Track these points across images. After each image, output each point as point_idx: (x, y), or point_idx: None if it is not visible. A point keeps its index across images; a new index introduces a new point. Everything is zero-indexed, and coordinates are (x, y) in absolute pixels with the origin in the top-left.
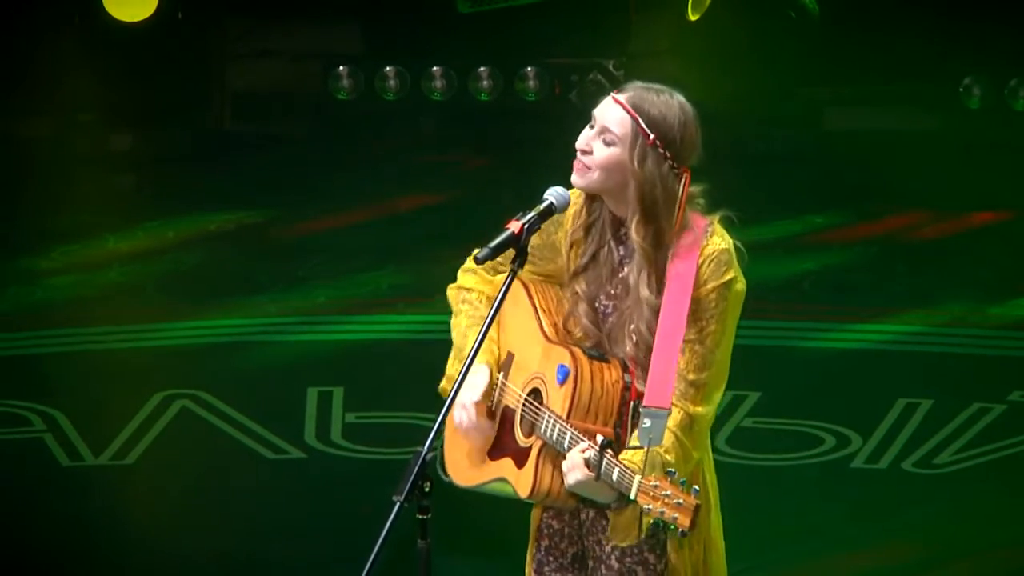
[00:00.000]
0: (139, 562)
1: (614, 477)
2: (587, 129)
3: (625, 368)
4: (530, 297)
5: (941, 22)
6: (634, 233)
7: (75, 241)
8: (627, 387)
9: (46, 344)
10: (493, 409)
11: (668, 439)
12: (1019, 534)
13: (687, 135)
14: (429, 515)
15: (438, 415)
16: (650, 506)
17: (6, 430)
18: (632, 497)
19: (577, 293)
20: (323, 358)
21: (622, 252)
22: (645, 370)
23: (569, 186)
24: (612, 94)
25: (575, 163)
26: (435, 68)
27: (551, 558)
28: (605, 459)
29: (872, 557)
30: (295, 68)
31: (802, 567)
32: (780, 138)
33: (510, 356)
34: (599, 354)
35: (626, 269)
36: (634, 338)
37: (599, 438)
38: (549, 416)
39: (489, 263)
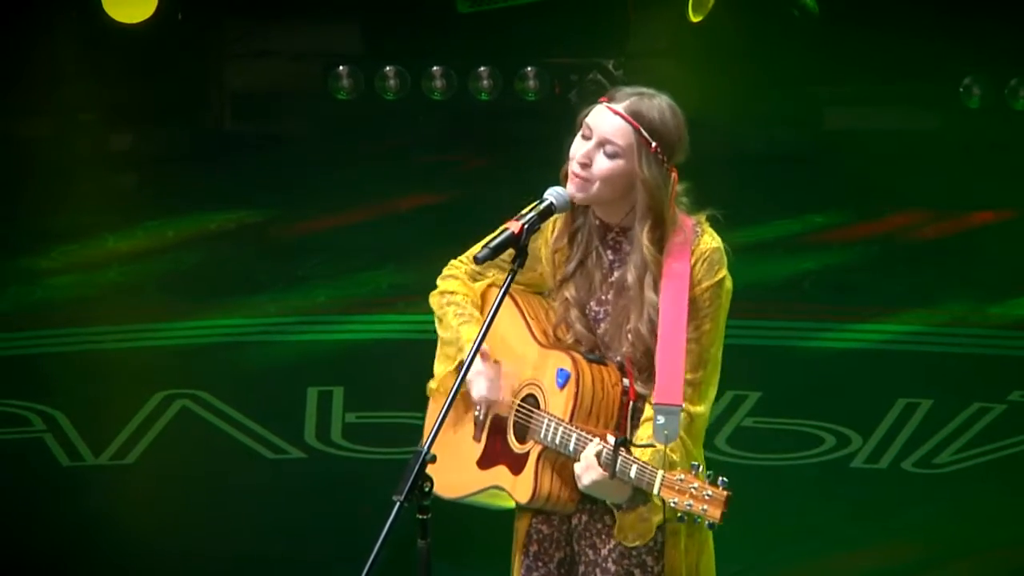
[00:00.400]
0: (139, 562)
1: (632, 474)
2: (580, 140)
3: (622, 370)
4: (517, 305)
5: (941, 21)
6: (645, 240)
7: (75, 241)
8: (625, 390)
9: (46, 344)
10: (481, 420)
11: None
12: (1019, 534)
13: (681, 137)
14: (429, 515)
15: (438, 415)
16: (675, 500)
17: (6, 430)
18: (656, 492)
19: (567, 299)
20: (323, 358)
21: (611, 257)
22: (642, 370)
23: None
24: (604, 103)
25: (573, 177)
26: (435, 68)
27: (539, 564)
28: (621, 457)
29: (872, 557)
30: (295, 68)
31: (802, 567)
32: (780, 138)
33: (497, 365)
34: (597, 357)
35: (616, 274)
36: (631, 338)
37: (610, 438)
38: (550, 420)
39: (469, 270)
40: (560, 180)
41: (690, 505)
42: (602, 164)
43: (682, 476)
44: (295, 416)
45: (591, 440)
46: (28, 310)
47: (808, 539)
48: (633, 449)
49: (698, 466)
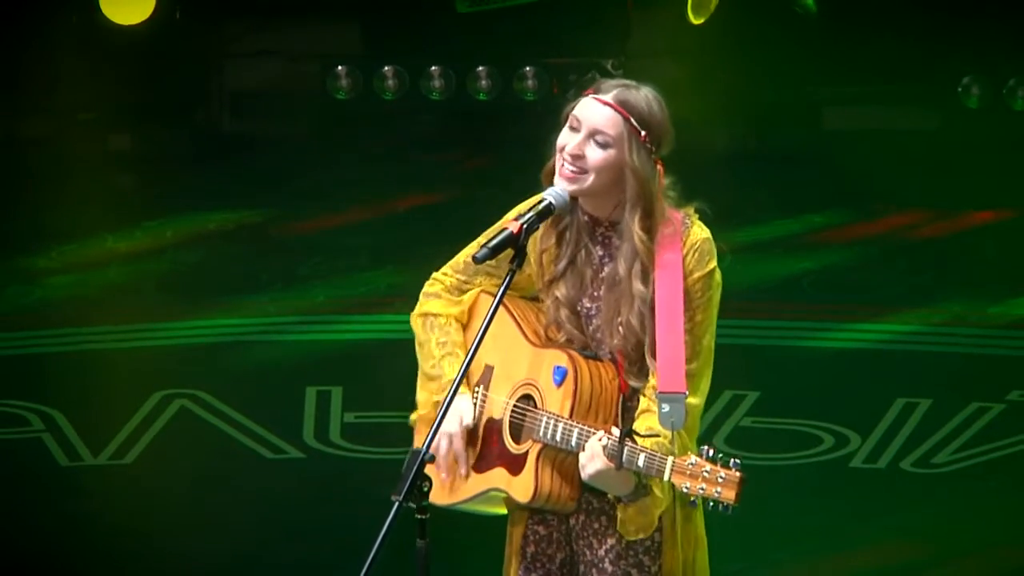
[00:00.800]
0: (138, 561)
1: (640, 463)
2: (568, 132)
3: (615, 364)
4: (507, 308)
5: (940, 21)
6: (637, 228)
7: (74, 241)
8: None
9: (45, 344)
10: (475, 425)
11: (667, 434)
12: (1018, 533)
13: (667, 127)
14: (428, 515)
15: (436, 415)
16: (688, 485)
17: (5, 430)
18: (667, 479)
19: (558, 299)
20: (322, 358)
21: (601, 252)
22: (632, 363)
23: None
24: (591, 95)
25: (564, 170)
26: (434, 68)
27: (538, 564)
28: (627, 447)
29: (871, 556)
30: (293, 68)
31: (801, 567)
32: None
33: (489, 368)
34: (592, 354)
35: (607, 269)
36: (621, 331)
37: (615, 429)
38: (549, 418)
39: (454, 283)
40: (543, 177)
41: (703, 489)
42: (595, 154)
43: (693, 460)
44: (294, 416)
45: (594, 433)
46: (27, 310)
47: (807, 539)
48: (638, 437)
49: (708, 449)
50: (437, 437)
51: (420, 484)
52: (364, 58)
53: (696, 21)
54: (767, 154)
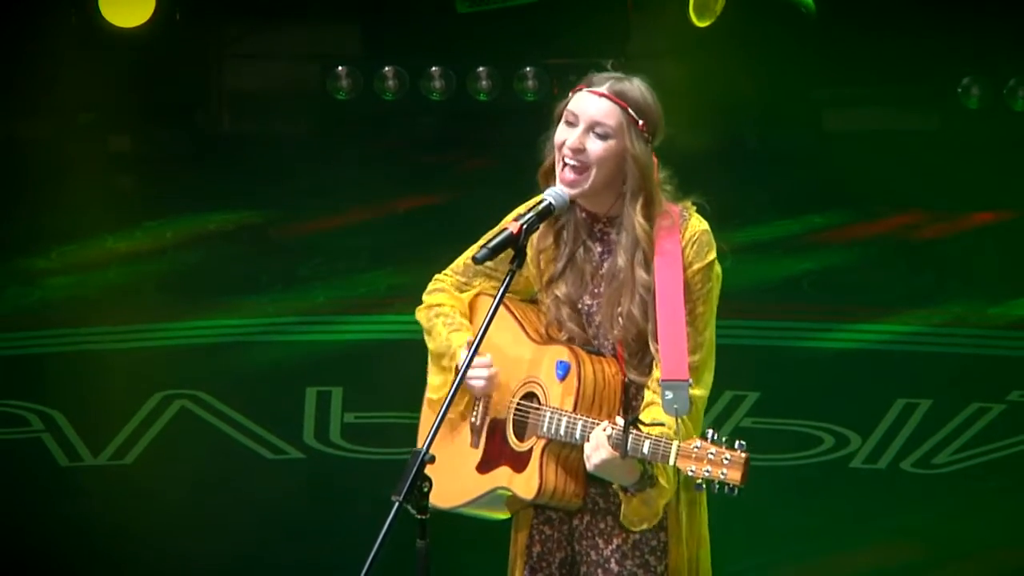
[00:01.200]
0: (138, 561)
1: (645, 450)
2: (565, 128)
3: (616, 358)
4: (507, 308)
5: (940, 21)
6: (639, 217)
7: (73, 241)
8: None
9: (45, 344)
10: (479, 424)
11: (671, 423)
12: (1018, 534)
13: (660, 116)
14: (428, 515)
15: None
16: (693, 468)
17: (5, 430)
18: (672, 463)
19: (558, 298)
20: (322, 358)
21: (600, 249)
22: (633, 354)
23: None
24: (584, 89)
25: (566, 170)
26: (434, 68)
27: (543, 563)
28: (632, 435)
29: (871, 557)
30: (293, 68)
31: (801, 567)
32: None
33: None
34: (594, 349)
35: (607, 264)
36: (622, 321)
37: (619, 419)
38: (553, 412)
39: (455, 282)
40: (539, 177)
41: (709, 471)
42: (595, 146)
43: (698, 444)
44: (294, 416)
45: (598, 424)
46: (27, 310)
47: (807, 539)
48: (644, 426)
49: (712, 433)
50: (469, 377)
51: (420, 484)
52: (364, 58)
53: (700, 24)
54: (767, 154)
